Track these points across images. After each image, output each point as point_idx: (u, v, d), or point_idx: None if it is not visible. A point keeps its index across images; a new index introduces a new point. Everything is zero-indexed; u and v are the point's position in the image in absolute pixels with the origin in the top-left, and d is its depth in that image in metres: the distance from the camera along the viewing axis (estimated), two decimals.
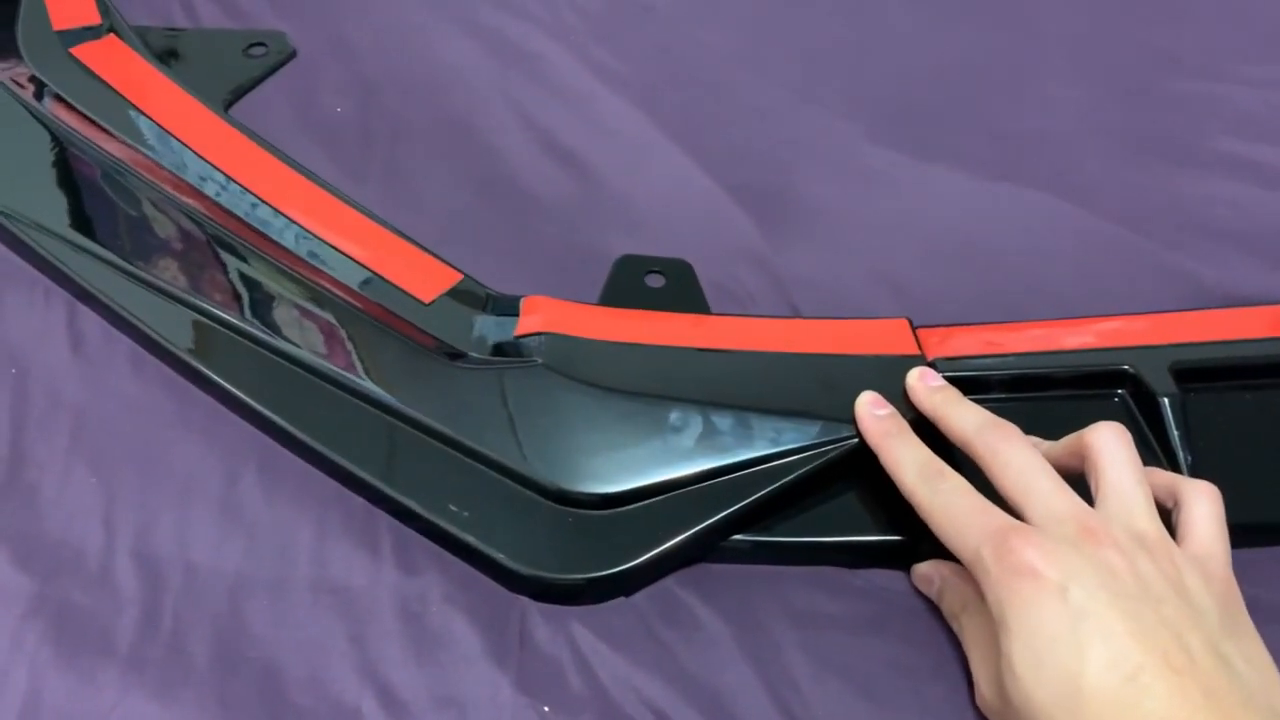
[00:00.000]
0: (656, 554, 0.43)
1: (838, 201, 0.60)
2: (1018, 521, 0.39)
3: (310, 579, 0.45)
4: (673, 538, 0.43)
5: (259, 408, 0.48)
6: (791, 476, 0.44)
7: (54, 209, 0.55)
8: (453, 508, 0.44)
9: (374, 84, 0.66)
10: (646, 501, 0.44)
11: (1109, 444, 0.40)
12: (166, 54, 0.65)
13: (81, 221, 0.55)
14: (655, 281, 0.54)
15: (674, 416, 0.46)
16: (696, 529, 0.43)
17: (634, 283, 0.53)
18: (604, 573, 0.43)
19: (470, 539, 0.44)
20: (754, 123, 0.64)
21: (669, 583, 0.45)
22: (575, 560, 0.43)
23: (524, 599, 0.45)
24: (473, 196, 0.60)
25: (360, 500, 0.47)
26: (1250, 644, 0.37)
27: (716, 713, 0.41)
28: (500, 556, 0.43)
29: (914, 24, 0.71)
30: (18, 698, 0.41)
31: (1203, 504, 0.40)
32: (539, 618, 0.44)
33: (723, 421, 0.45)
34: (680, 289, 0.53)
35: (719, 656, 0.43)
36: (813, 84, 0.66)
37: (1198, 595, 0.37)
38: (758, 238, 0.58)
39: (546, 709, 0.42)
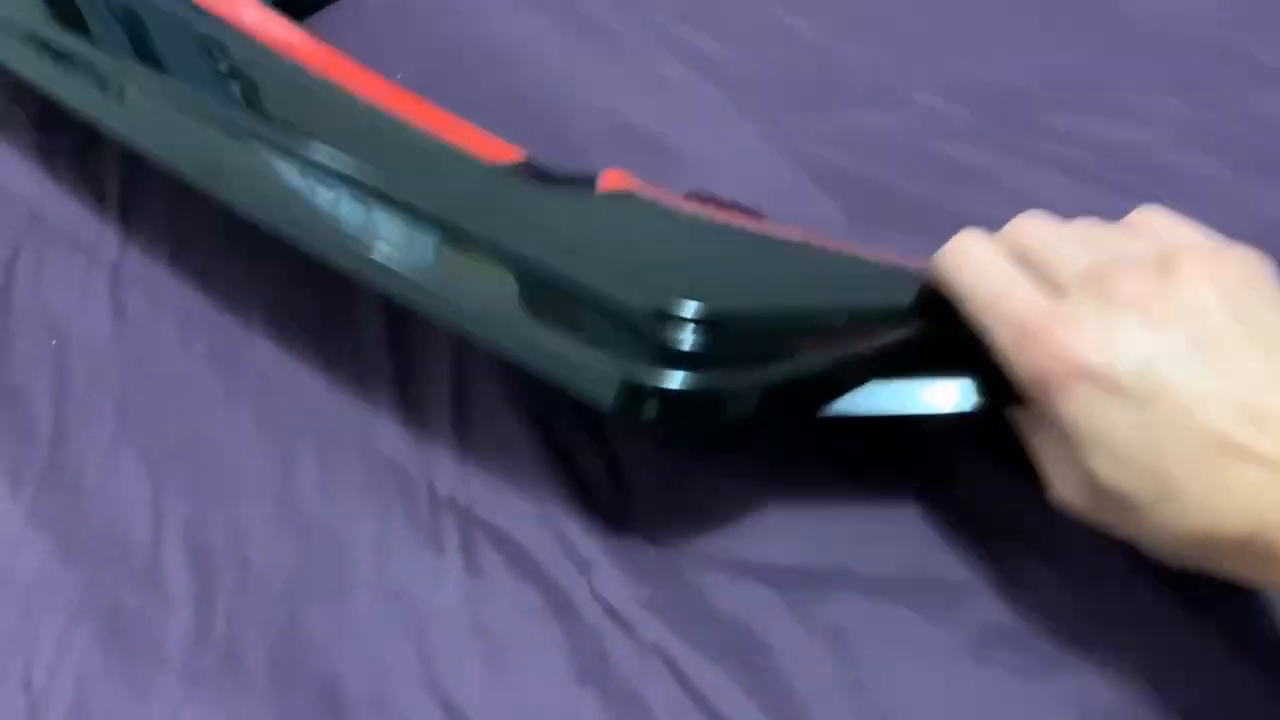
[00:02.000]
0: (765, 381, 0.38)
1: (931, 199, 0.57)
2: (1043, 302, 0.34)
3: (372, 582, 0.42)
4: (784, 370, 0.38)
5: (321, 247, 0.42)
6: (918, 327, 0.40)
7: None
8: (541, 327, 0.39)
9: (435, 52, 0.62)
10: (760, 331, 0.39)
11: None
12: None
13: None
14: None
15: (784, 247, 0.42)
16: (811, 367, 0.39)
17: None
18: (700, 388, 0.37)
19: (559, 350, 0.38)
20: (845, 112, 0.61)
21: (767, 598, 0.42)
22: (672, 374, 0.37)
23: (601, 615, 0.41)
24: None
25: (424, 494, 0.44)
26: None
27: None
28: (593, 361, 0.37)
29: (1006, 20, 0.67)
30: (64, 707, 0.38)
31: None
32: (618, 633, 0.41)
33: (836, 263, 0.41)
34: None
35: (814, 686, 0.40)
36: (907, 78, 0.63)
37: (1241, 279, 0.33)
38: (846, 231, 0.54)
39: None
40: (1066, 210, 0.52)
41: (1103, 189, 0.57)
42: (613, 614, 0.41)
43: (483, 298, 0.40)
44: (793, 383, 0.39)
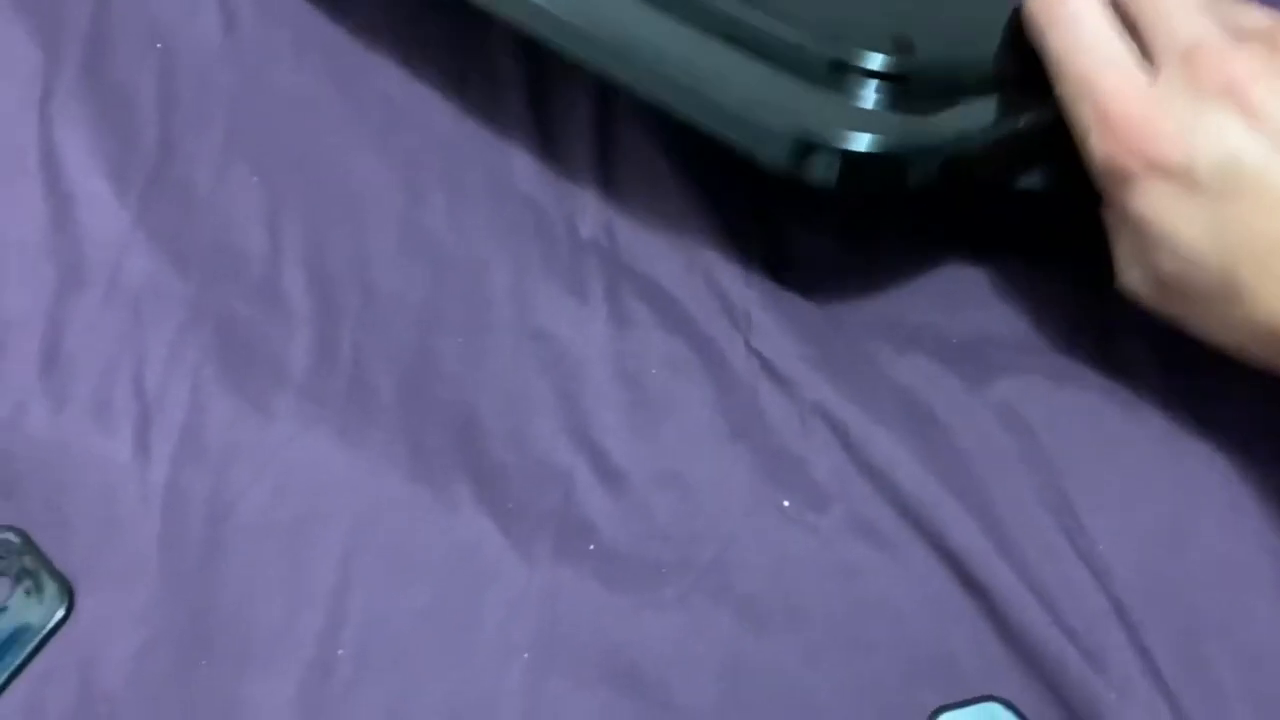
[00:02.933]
0: (951, 145, 0.33)
1: None
2: (1134, 82, 0.31)
3: (509, 320, 0.38)
4: (972, 133, 0.34)
5: None
6: None
7: None
8: (704, 73, 0.34)
9: None
10: (948, 87, 0.34)
11: None
12: None
13: None
14: None
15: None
16: (1002, 131, 0.34)
17: None
18: (882, 150, 0.32)
19: (724, 100, 0.33)
20: None
21: (936, 370, 0.37)
22: (853, 134, 0.32)
23: (757, 371, 0.37)
24: None
25: (564, 236, 0.40)
26: None
27: (983, 514, 0.34)
28: (763, 115, 0.32)
29: None
30: (178, 418, 0.34)
31: None
32: (776, 391, 0.37)
33: None
34: None
35: (993, 460, 0.36)
36: None
37: None
38: None
39: (787, 503, 0.35)
40: None
41: None
42: (770, 371, 0.37)
43: (633, 39, 0.34)
44: (980, 149, 0.34)
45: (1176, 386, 0.37)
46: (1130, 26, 0.32)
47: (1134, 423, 0.36)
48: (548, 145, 0.42)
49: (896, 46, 0.33)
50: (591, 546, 0.34)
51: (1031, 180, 0.36)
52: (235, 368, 0.35)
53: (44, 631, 0.32)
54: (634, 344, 0.38)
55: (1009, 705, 0.32)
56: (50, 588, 0.33)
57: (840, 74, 0.33)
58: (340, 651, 0.32)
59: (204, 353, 0.36)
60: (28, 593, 0.33)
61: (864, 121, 0.32)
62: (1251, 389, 0.37)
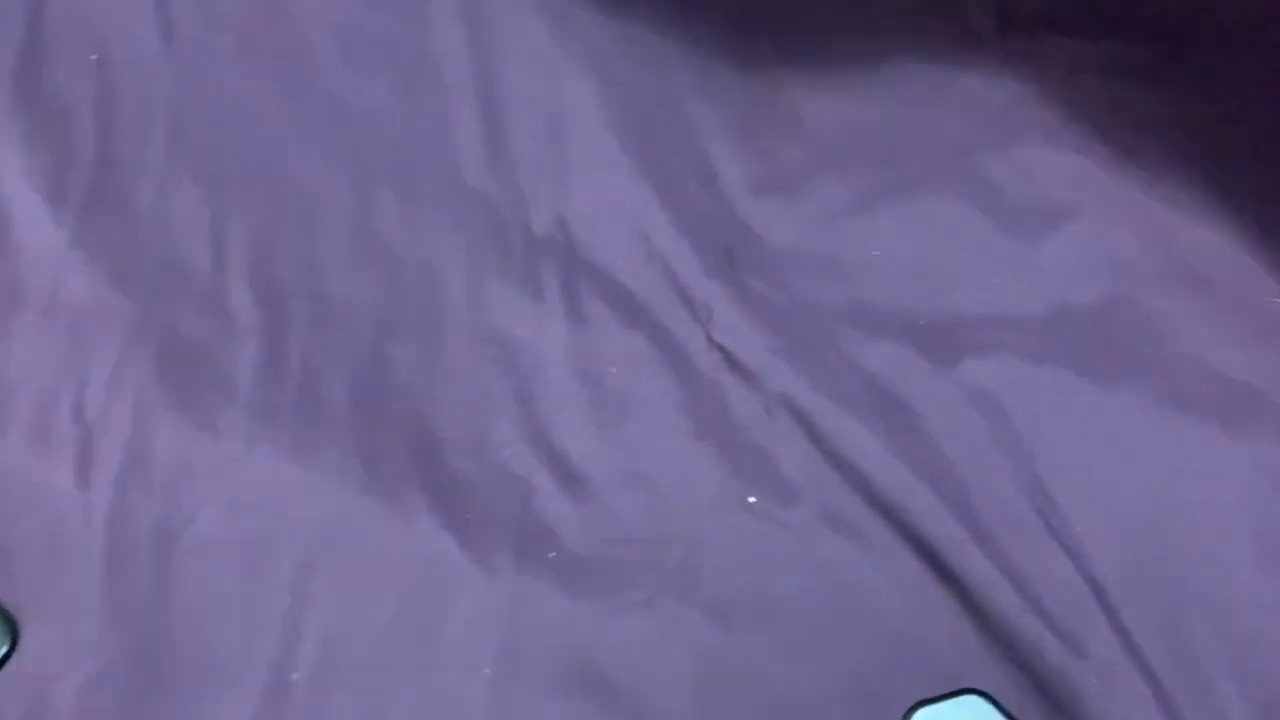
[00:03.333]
0: None
1: None
2: None
3: (464, 323, 0.37)
4: None
5: None
6: None
7: None
8: None
9: None
10: None
11: None
12: None
13: None
14: None
15: None
16: None
17: None
18: None
19: None
20: None
21: (904, 354, 0.37)
22: None
23: (719, 364, 0.36)
24: None
25: (517, 232, 0.39)
26: None
27: (956, 500, 0.34)
28: None
29: None
30: (120, 442, 0.33)
31: None
32: (739, 384, 0.36)
33: None
34: None
35: (965, 444, 0.35)
36: None
37: None
38: None
39: (753, 499, 0.34)
40: None
41: None
42: (733, 363, 0.37)
43: None
44: None
45: (1151, 360, 0.36)
46: None
47: (1109, 399, 0.36)
48: (497, 140, 0.41)
49: None
50: (552, 554, 0.33)
51: None
52: (180, 386, 0.34)
53: None
54: (593, 342, 0.37)
55: (988, 697, 0.31)
56: None
57: None
58: (295, 675, 0.31)
59: (146, 372, 0.35)
60: None
61: None
62: (1230, 360, 0.36)
